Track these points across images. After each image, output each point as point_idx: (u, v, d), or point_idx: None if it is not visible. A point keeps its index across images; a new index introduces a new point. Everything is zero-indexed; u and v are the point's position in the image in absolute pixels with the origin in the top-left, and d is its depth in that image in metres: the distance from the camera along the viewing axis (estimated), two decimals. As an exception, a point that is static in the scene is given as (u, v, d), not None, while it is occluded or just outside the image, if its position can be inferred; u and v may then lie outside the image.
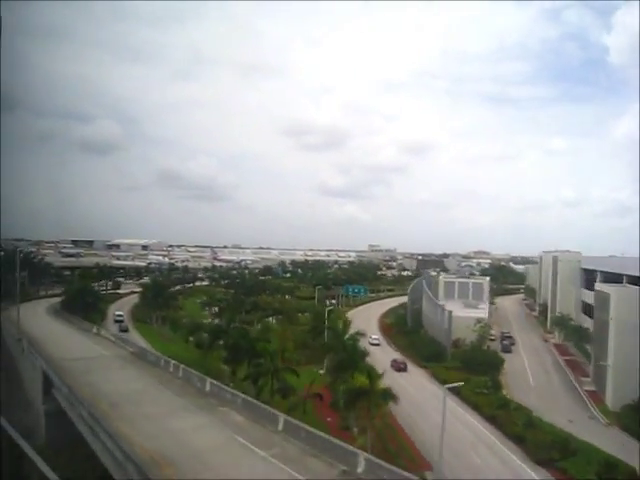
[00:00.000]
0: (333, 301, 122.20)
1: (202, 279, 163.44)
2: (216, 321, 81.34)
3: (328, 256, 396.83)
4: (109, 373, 39.85)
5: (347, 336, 56.93)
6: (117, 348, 48.91)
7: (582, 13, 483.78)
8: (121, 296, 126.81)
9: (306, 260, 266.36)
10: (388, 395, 37.29)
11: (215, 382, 36.08)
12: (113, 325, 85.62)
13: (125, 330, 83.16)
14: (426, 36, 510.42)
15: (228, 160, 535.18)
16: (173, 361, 40.34)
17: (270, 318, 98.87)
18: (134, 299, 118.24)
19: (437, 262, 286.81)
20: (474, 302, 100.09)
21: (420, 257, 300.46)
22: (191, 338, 65.42)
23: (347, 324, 69.81)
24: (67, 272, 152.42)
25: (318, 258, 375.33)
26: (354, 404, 38.25)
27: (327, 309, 73.87)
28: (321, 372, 57.54)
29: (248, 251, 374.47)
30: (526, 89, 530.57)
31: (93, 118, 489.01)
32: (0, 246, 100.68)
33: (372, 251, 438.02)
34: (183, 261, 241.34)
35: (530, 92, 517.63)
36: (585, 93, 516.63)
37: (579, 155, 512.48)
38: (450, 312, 74.84)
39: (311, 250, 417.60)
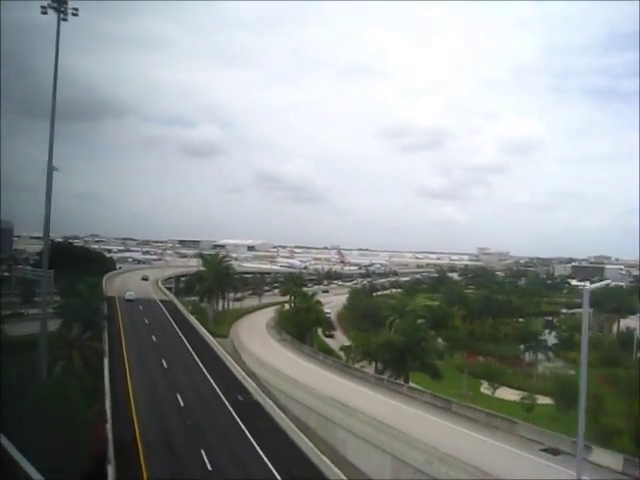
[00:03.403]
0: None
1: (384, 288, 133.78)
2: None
3: (439, 259, 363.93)
4: None
5: None
6: None
7: None
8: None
9: (466, 266, 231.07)
10: None
11: None
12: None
13: None
14: (527, 31, 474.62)
15: (325, 162, 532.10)
16: None
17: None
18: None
19: (595, 270, 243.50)
20: None
21: (574, 263, 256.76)
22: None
23: None
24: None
25: (429, 261, 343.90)
26: None
27: None
28: None
29: (355, 252, 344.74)
30: (638, 81, 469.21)
31: (196, 123, 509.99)
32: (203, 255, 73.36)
33: (484, 254, 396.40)
34: (312, 265, 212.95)
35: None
36: None
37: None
38: None
39: (421, 253, 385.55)
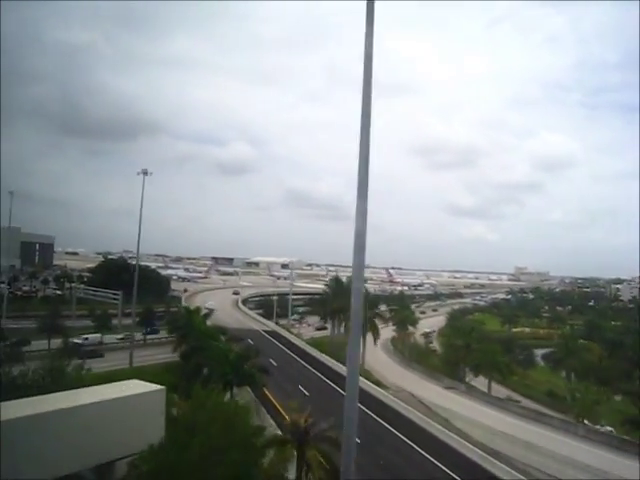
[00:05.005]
0: None
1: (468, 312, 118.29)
2: None
3: (477, 278, 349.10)
4: None
5: None
6: None
7: None
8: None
9: (537, 288, 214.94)
10: None
11: None
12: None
13: None
14: (559, 47, 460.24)
15: (355, 180, 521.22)
16: None
17: None
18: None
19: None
20: None
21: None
22: None
23: None
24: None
25: (470, 281, 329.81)
26: None
27: None
28: None
29: (392, 271, 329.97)
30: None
31: (227, 141, 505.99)
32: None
33: (522, 274, 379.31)
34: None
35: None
36: None
37: None
38: None
39: (457, 272, 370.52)
